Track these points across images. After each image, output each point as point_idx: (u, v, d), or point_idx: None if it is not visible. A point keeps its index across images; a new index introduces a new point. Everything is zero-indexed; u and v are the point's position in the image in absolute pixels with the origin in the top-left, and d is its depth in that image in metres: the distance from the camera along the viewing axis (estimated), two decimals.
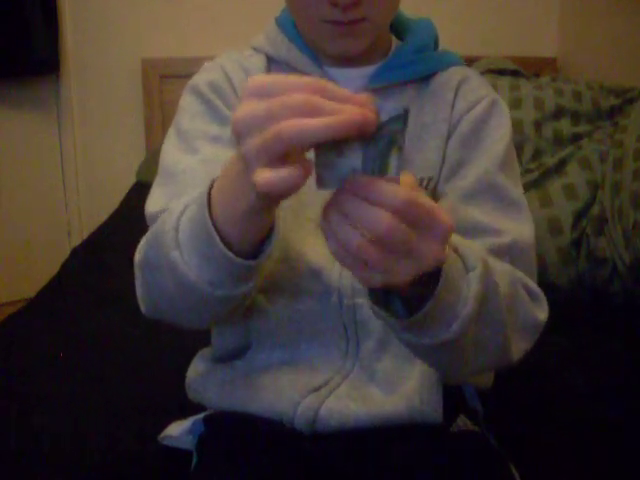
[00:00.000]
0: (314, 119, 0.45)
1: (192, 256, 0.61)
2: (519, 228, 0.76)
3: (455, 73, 0.83)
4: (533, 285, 0.74)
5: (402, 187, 0.47)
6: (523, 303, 0.71)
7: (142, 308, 0.74)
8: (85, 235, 2.06)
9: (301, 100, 0.45)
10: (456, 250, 0.61)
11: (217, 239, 0.58)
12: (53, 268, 1.64)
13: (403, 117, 0.47)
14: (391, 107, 0.48)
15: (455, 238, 0.62)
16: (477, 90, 0.83)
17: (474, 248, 0.63)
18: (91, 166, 2.28)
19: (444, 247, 0.51)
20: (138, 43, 2.22)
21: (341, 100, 0.46)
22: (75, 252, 1.77)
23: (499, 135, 0.80)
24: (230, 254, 0.58)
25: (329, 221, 0.48)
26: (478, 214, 0.76)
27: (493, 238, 0.74)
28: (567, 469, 0.90)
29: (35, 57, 2.05)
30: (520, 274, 0.73)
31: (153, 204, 0.76)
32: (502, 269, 0.69)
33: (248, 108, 0.47)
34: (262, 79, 0.48)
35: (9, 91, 2.11)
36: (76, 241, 2.15)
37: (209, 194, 0.59)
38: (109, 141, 2.27)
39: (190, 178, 0.75)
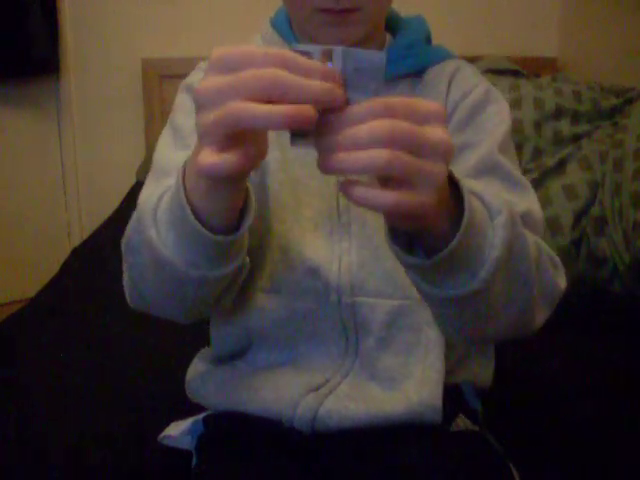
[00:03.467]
0: (269, 107, 0.45)
1: (169, 233, 0.62)
2: (529, 204, 0.75)
3: (448, 65, 0.84)
4: (552, 251, 0.73)
5: (382, 121, 0.47)
6: (546, 270, 0.69)
7: (127, 299, 0.74)
8: (85, 235, 2.06)
9: (266, 77, 0.45)
10: (480, 197, 0.60)
11: (189, 211, 0.58)
12: (53, 268, 1.64)
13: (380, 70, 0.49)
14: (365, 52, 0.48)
15: (478, 187, 0.61)
16: (470, 79, 0.83)
17: (499, 198, 0.62)
18: (91, 166, 2.27)
19: (446, 162, 0.50)
20: (138, 43, 2.22)
21: (306, 72, 0.46)
22: (75, 252, 1.77)
23: (499, 119, 0.80)
24: (201, 228, 0.58)
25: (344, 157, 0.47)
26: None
27: None
28: (567, 469, 0.90)
29: (35, 57, 2.05)
30: (540, 240, 0.71)
31: (145, 198, 0.76)
32: (528, 233, 0.67)
33: (211, 81, 0.47)
34: (227, 50, 0.48)
35: (9, 91, 2.11)
36: (76, 241, 2.15)
37: (184, 170, 0.59)
38: (109, 141, 2.27)
39: None
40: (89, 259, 1.68)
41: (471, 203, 0.56)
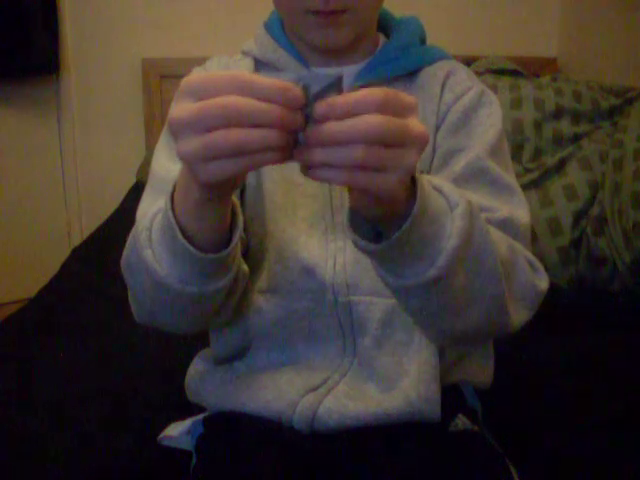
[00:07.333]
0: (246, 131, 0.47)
1: (162, 253, 0.64)
2: (513, 209, 0.75)
3: (442, 67, 0.84)
4: (531, 256, 0.73)
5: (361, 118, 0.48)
6: (523, 271, 0.70)
7: (134, 315, 0.76)
8: (85, 235, 2.06)
9: (229, 106, 0.48)
10: (439, 190, 0.61)
11: (177, 231, 0.60)
12: (53, 268, 1.64)
13: (336, 84, 0.49)
14: (324, 74, 0.50)
15: (440, 181, 0.62)
16: (464, 82, 0.83)
17: (461, 192, 0.62)
18: (91, 166, 2.27)
19: (421, 152, 0.52)
20: (138, 43, 2.22)
21: (265, 91, 0.48)
22: (75, 252, 1.77)
23: (490, 122, 0.80)
24: (190, 246, 0.61)
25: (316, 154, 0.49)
26: (471, 196, 0.75)
27: (487, 213, 0.73)
28: (566, 469, 0.90)
29: (35, 57, 2.05)
30: (518, 245, 0.72)
31: (143, 213, 0.76)
32: (499, 234, 0.69)
33: (181, 109, 0.50)
34: (194, 79, 0.51)
35: (9, 91, 2.11)
36: (76, 241, 2.15)
37: (173, 190, 0.61)
38: (109, 141, 2.27)
39: None
40: (89, 259, 1.68)
41: (424, 189, 0.57)
